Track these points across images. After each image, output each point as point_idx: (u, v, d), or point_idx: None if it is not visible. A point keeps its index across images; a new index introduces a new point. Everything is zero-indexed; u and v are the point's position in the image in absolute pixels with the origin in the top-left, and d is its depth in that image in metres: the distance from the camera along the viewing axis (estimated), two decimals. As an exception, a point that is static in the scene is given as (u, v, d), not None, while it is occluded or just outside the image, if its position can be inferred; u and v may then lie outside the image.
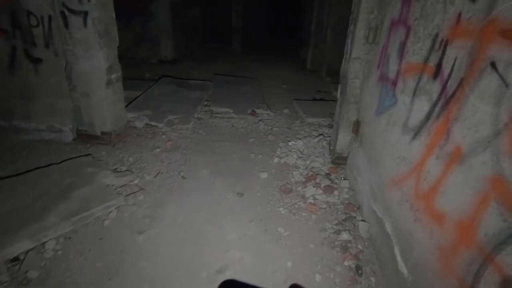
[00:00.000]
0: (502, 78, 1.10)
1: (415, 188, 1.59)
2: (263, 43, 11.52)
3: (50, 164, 2.67)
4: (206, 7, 9.63)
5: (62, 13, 2.78)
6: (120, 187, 2.53)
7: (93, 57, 2.91)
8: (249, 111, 4.39)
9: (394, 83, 1.96)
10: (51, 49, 3.04)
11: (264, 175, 2.92)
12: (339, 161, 3.09)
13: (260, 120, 4.22)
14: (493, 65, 1.15)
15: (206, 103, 4.74)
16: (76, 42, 2.87)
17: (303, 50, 9.11)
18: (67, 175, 2.51)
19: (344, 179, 2.88)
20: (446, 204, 1.34)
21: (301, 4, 10.95)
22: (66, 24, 2.82)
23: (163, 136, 3.57)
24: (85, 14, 2.76)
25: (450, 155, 1.34)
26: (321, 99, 5.33)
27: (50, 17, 2.91)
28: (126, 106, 4.09)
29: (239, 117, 4.23)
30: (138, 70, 6.50)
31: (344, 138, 3.00)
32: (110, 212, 2.24)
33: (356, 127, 2.82)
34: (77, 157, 2.87)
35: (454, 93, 1.36)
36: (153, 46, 7.62)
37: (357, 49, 2.67)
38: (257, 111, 4.45)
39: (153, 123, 3.76)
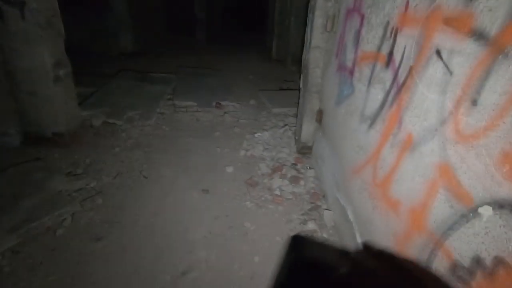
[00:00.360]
0: (446, 66, 1.12)
1: (373, 176, 1.62)
2: (228, 33, 11.29)
3: (-7, 172, 2.43)
4: (167, -3, 9.23)
5: (-5, 3, 2.49)
6: (75, 191, 2.37)
7: (35, 52, 2.66)
8: (214, 104, 4.29)
9: (351, 72, 1.97)
10: (-14, 44, 2.73)
11: (230, 169, 2.86)
12: (304, 150, 3.11)
13: (225, 112, 4.14)
14: (438, 53, 1.16)
15: (169, 97, 4.56)
16: (14, 36, 2.60)
17: (269, 40, 9.04)
18: (15, 183, 2.30)
19: (310, 168, 2.90)
20: (400, 191, 1.37)
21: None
22: (1, 16, 2.53)
23: (123, 134, 3.38)
24: (22, 4, 2.49)
25: (403, 144, 1.36)
26: (287, 89, 5.33)
27: (-20, 8, 2.61)
28: (81, 103, 3.83)
29: (204, 110, 4.12)
30: (95, 64, 6.09)
31: (308, 127, 3.01)
32: (64, 220, 2.08)
33: (319, 116, 2.84)
34: (24, 162, 2.64)
35: (404, 82, 1.37)
36: (111, 39, 7.17)
37: (316, 38, 2.65)
38: (223, 103, 4.35)
39: (111, 121, 3.55)
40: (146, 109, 3.92)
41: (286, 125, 3.70)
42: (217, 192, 2.57)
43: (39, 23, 2.58)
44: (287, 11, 7.26)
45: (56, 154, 2.89)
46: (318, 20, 2.58)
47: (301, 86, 3.14)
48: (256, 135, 3.48)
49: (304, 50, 2.95)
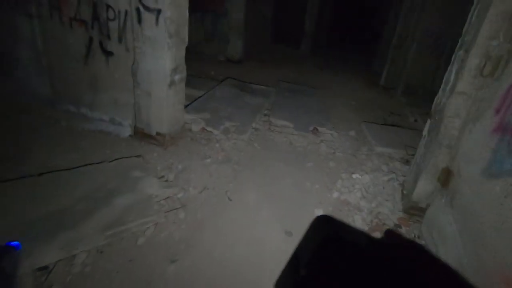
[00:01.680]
0: None
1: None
2: (332, 49, 10.88)
3: (101, 162, 2.63)
4: (279, 8, 9.39)
5: (137, 9, 2.72)
6: (163, 199, 2.37)
7: (160, 56, 2.81)
8: (311, 129, 3.99)
9: (527, 144, 1.41)
10: (123, 44, 3.02)
11: (319, 212, 2.52)
12: (413, 211, 2.54)
13: (322, 140, 3.80)
14: None
15: (266, 112, 4.47)
16: (146, 39, 2.79)
17: (377, 63, 8.34)
18: (114, 177, 2.43)
19: (417, 237, 2.34)
20: None
21: (378, 13, 10.07)
22: (140, 21, 2.75)
23: (217, 145, 3.37)
24: (158, 12, 2.65)
25: None
26: (394, 125, 4.68)
27: (126, 12, 2.88)
28: (187, 106, 4.02)
29: (299, 134, 3.86)
30: (204, 67, 6.51)
31: (425, 185, 2.45)
32: (147, 228, 2.07)
33: (445, 177, 2.26)
34: (128, 157, 2.81)
35: None
36: (222, 44, 7.60)
37: (464, 81, 2.10)
38: (320, 129, 4.03)
39: (209, 129, 3.59)
40: (242, 122, 3.87)
41: (392, 172, 3.15)
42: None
43: (169, 31, 2.72)
44: (407, 35, 6.50)
45: (155, 153, 3.02)
46: (472, 61, 2.04)
47: (424, 133, 2.59)
48: (354, 176, 3.04)
49: (440, 92, 2.41)
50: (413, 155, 3.61)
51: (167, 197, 2.40)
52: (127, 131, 3.29)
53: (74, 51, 3.24)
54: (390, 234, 0.31)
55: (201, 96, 4.48)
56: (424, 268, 0.27)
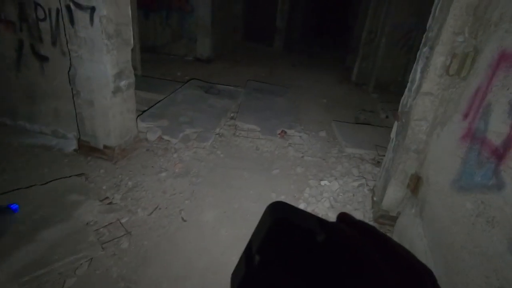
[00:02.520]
0: None
1: None
2: (306, 45, 10.73)
3: (32, 186, 2.28)
4: (249, 4, 9.11)
5: (68, 7, 2.36)
6: (103, 227, 2.06)
7: (98, 60, 2.47)
8: (279, 131, 3.77)
9: (500, 156, 1.24)
10: (58, 47, 2.66)
11: (283, 228, 2.29)
12: (383, 220, 2.38)
13: (290, 144, 3.59)
14: None
15: (232, 115, 4.20)
16: (81, 42, 2.45)
17: (349, 58, 8.26)
18: (46, 204, 2.09)
19: (389, 249, 2.17)
20: None
21: (351, 7, 10.02)
22: (72, 20, 2.40)
23: (175, 155, 3.07)
24: (92, 10, 2.31)
25: None
26: (366, 123, 4.55)
27: (57, 11, 2.52)
28: (143, 112, 3.68)
29: (266, 138, 3.63)
30: (171, 68, 6.15)
31: (394, 193, 2.28)
32: (79, 266, 1.76)
33: (414, 184, 2.09)
34: (67, 177, 2.46)
35: None
36: (190, 43, 7.23)
37: (430, 81, 1.93)
38: (288, 131, 3.81)
39: (167, 137, 3.28)
40: (205, 128, 3.59)
41: (362, 177, 2.98)
42: (263, 259, 2.03)
43: (107, 31, 2.38)
44: (377, 30, 6.43)
45: (102, 170, 2.68)
46: (437, 58, 1.87)
47: (392, 135, 2.42)
48: (322, 182, 2.85)
49: (407, 92, 2.24)
50: (384, 155, 3.48)
51: (109, 224, 2.09)
52: (71, 145, 2.93)
53: (2, 57, 2.83)
54: (343, 217, 0.31)
55: (160, 101, 4.14)
56: (374, 249, 0.27)
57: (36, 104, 2.96)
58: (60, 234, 1.86)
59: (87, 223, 2.01)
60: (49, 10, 2.54)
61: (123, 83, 2.70)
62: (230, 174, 2.89)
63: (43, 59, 2.75)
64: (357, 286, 0.25)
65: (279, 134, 3.73)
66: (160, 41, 7.21)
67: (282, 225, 0.27)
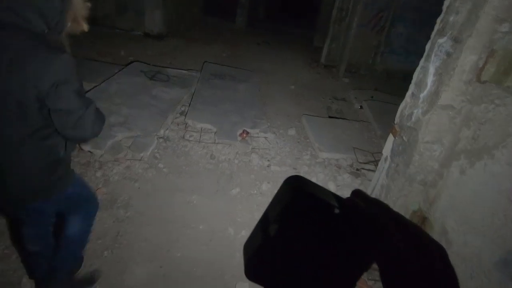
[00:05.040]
0: None
1: None
2: (271, 22, 9.84)
3: None
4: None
5: None
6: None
7: None
8: (240, 132, 3.07)
9: None
10: None
11: None
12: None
13: (253, 149, 2.91)
14: None
15: (183, 109, 3.41)
16: None
17: (318, 38, 7.63)
18: None
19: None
20: None
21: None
22: None
23: (98, 173, 2.27)
24: None
25: None
26: (338, 117, 3.99)
27: None
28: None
29: (224, 142, 2.91)
30: (113, 45, 5.08)
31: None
32: None
33: (419, 224, 1.55)
34: None
35: None
36: (138, 16, 6.07)
37: (452, 89, 1.33)
38: (251, 131, 3.13)
39: (88, 147, 2.44)
40: (144, 130, 2.78)
41: (341, 193, 2.41)
42: None
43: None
44: (348, 8, 5.80)
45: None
46: (467, 57, 1.26)
47: (386, 153, 1.83)
48: (294, 206, 2.24)
49: (409, 99, 1.64)
50: (364, 163, 2.97)
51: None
52: None
53: None
54: (357, 193, 0.31)
55: (86, 92, 3.20)
56: (387, 223, 0.27)
57: None
58: None
59: None
60: None
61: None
62: (173, 201, 2.17)
63: None
64: (371, 256, 0.27)
65: (240, 136, 3.03)
66: (102, 11, 5.96)
67: (300, 197, 0.28)
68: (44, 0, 0.91)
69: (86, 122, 1.01)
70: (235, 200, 2.28)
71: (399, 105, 1.71)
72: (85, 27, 1.07)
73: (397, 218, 0.28)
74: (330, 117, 3.92)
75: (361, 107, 4.45)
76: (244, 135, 3.03)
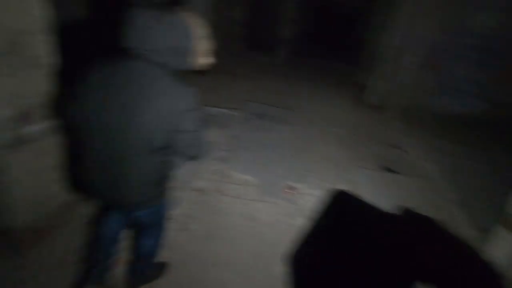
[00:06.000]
0: None
1: None
2: (313, 56, 9.67)
3: None
4: (252, 11, 8.07)
5: None
6: None
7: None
8: (284, 188, 2.68)
9: None
10: None
11: None
12: None
13: (298, 210, 2.50)
14: None
15: (221, 153, 3.12)
16: None
17: (363, 75, 7.23)
18: None
19: None
20: None
21: (363, 17, 9.03)
22: None
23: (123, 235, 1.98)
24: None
25: None
26: (394, 170, 3.47)
27: None
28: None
29: (265, 200, 2.53)
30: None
31: None
32: None
33: None
34: None
35: None
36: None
37: None
38: (297, 186, 2.73)
39: (117, 202, 2.18)
40: (177, 178, 2.50)
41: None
42: None
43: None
44: (396, 44, 5.40)
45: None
46: None
47: (500, 260, 1.34)
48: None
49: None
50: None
51: None
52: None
53: None
54: (407, 211, 0.29)
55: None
56: (434, 240, 0.32)
57: None
58: None
59: None
60: None
61: (35, 129, 1.61)
62: (205, 278, 1.80)
63: None
64: (421, 273, 0.49)
65: (284, 192, 2.64)
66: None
67: (347, 213, 0.34)
68: (180, 41, 1.07)
69: (202, 141, 1.21)
70: (278, 281, 1.85)
71: (474, 161, 1.24)
72: (212, 60, 1.22)
73: (448, 238, 0.21)
74: (385, 170, 3.42)
75: (424, 163, 3.87)
76: (289, 192, 2.64)
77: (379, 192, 2.81)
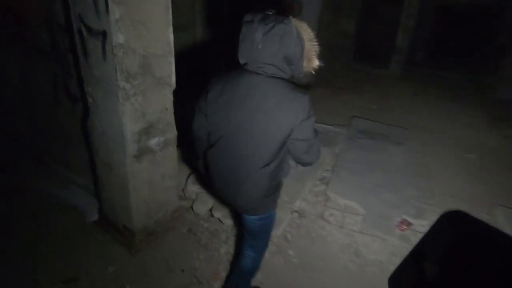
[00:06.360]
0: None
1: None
2: (431, 66, 8.38)
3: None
4: (364, 21, 7.59)
5: (80, 32, 1.58)
6: None
7: (113, 110, 1.60)
8: (398, 222, 2.27)
9: None
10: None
11: None
12: None
13: (417, 251, 2.05)
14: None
15: (324, 174, 2.91)
16: (95, 82, 1.63)
17: (505, 88, 5.87)
18: None
19: None
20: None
21: (501, 18, 7.33)
22: (85, 52, 1.61)
23: (222, 249, 2.00)
24: (103, 36, 1.45)
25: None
26: None
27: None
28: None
29: (372, 233, 2.19)
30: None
31: None
32: None
33: None
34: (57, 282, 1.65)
35: None
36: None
37: None
38: (414, 222, 2.27)
39: (218, 214, 2.23)
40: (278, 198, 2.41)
41: None
42: None
43: (125, 68, 1.49)
44: None
45: (111, 266, 1.80)
46: None
47: None
48: None
49: None
50: None
51: None
52: (94, 215, 2.18)
53: (41, 92, 2.33)
54: None
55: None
56: None
57: (71, 151, 2.36)
58: None
59: None
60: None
61: (154, 142, 1.79)
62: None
63: (74, 99, 2.10)
64: None
65: (398, 227, 2.23)
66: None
67: (464, 238, 0.26)
68: (291, 51, 1.08)
69: (315, 148, 1.22)
70: None
71: None
72: (317, 63, 1.19)
73: None
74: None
75: None
76: (404, 227, 2.22)
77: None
